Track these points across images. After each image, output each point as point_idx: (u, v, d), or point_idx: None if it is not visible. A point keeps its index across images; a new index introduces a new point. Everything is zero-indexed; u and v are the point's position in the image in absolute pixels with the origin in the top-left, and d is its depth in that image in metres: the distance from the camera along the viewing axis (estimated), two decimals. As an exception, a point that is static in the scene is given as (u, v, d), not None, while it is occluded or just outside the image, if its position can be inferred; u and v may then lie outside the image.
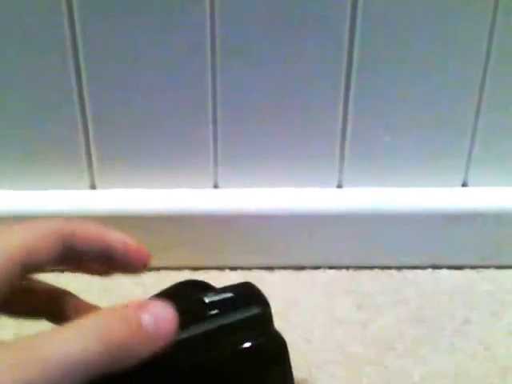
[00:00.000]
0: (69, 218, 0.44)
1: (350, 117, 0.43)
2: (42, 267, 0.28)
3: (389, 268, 0.47)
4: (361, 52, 0.41)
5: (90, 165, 0.45)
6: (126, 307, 0.23)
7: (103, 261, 0.29)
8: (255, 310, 0.28)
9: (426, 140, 0.44)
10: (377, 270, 0.47)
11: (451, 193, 0.46)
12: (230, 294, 0.28)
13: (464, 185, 0.47)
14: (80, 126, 0.43)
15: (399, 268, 0.47)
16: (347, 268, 0.47)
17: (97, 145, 0.44)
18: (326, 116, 0.43)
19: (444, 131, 0.44)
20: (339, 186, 0.46)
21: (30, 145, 0.44)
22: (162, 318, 0.23)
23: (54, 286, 0.31)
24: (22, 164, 0.45)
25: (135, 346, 0.22)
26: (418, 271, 0.47)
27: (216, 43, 0.40)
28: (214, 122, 0.43)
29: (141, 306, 0.23)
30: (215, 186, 0.46)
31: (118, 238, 0.29)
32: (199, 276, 0.46)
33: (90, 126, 0.43)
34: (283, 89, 0.42)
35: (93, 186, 0.46)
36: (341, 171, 0.45)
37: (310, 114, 0.43)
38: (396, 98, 0.43)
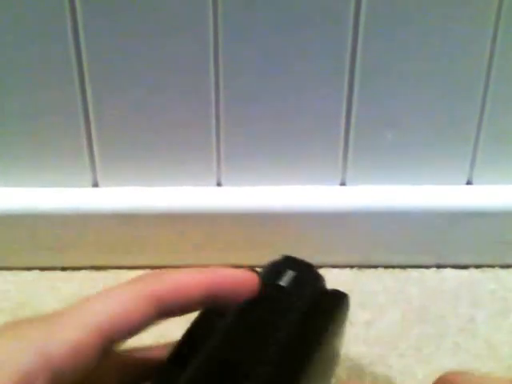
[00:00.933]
0: (72, 216, 0.44)
1: (353, 115, 0.43)
2: (131, 335, 0.25)
3: (393, 267, 0.47)
4: (364, 49, 0.41)
5: (92, 163, 0.45)
6: None
7: (208, 304, 0.27)
8: (321, 281, 0.31)
9: (430, 138, 0.44)
10: (381, 268, 0.47)
11: (456, 191, 0.46)
12: (294, 273, 0.30)
13: (469, 183, 0.46)
14: (82, 124, 0.43)
15: (403, 267, 0.47)
16: (351, 267, 0.46)
17: (99, 142, 0.44)
18: (330, 114, 0.43)
19: (448, 129, 0.44)
20: (343, 184, 0.46)
21: (32, 142, 0.44)
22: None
23: (151, 355, 0.29)
24: (24, 161, 0.44)
25: None
26: (422, 270, 0.46)
27: (219, 41, 0.40)
28: (217, 120, 0.43)
29: None
30: (218, 184, 0.46)
31: (221, 273, 0.27)
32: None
33: (93, 123, 0.43)
34: (286, 86, 0.42)
35: (95, 184, 0.46)
36: (344, 169, 0.45)
37: (314, 112, 0.43)
38: (400, 96, 0.43)
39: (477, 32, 0.41)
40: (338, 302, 0.31)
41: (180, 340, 0.28)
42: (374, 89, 0.42)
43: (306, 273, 0.31)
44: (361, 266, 0.47)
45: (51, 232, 0.45)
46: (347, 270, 0.46)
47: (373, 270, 0.46)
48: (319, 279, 0.32)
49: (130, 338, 0.26)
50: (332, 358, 0.31)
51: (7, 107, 0.43)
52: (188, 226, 0.45)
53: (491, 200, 0.45)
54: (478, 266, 0.47)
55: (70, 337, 0.24)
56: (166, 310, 0.26)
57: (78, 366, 0.24)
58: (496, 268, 0.47)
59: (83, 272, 0.46)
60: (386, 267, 0.47)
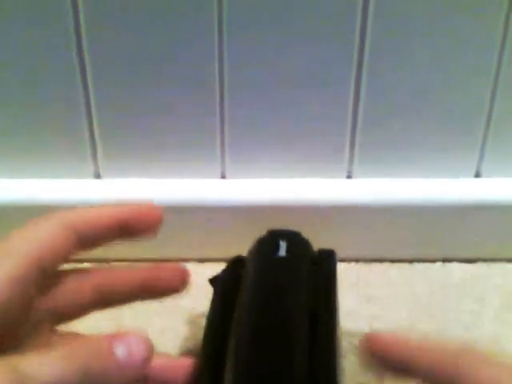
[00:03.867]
0: (72, 207, 0.44)
1: (360, 106, 0.43)
2: (59, 264, 0.28)
3: (399, 261, 0.46)
4: (373, 40, 0.40)
5: (94, 154, 0.44)
6: (101, 337, 0.25)
7: (121, 235, 0.31)
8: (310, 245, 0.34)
9: (438, 130, 0.44)
10: (386, 262, 0.46)
11: (464, 184, 0.45)
12: (286, 243, 0.33)
13: (477, 175, 0.46)
14: (84, 115, 0.43)
15: (409, 261, 0.46)
16: (357, 261, 0.46)
17: (101, 133, 0.43)
18: (336, 106, 0.43)
19: (457, 121, 0.44)
20: (349, 177, 0.46)
21: (33, 133, 0.43)
22: (136, 348, 0.25)
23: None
24: (25, 152, 0.44)
25: (108, 374, 0.24)
26: (429, 264, 0.46)
27: (223, 32, 0.40)
28: (222, 112, 0.43)
29: (115, 336, 0.25)
30: (222, 176, 0.46)
31: (128, 207, 0.30)
32: (206, 267, 0.45)
33: (95, 114, 0.43)
34: (292, 78, 0.42)
35: (97, 175, 0.45)
36: (351, 162, 0.45)
37: (320, 104, 0.43)
38: (407, 88, 0.42)
39: (487, 21, 0.40)
40: (332, 258, 0.34)
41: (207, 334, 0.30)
42: (381, 81, 0.42)
43: (296, 239, 0.34)
44: (367, 260, 0.46)
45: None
46: (353, 264, 0.46)
47: (379, 263, 0.46)
48: (308, 243, 0.35)
49: (59, 265, 0.28)
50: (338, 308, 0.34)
51: (8, 98, 0.42)
52: (191, 218, 0.44)
53: (500, 193, 0.45)
54: (484, 260, 0.46)
55: (6, 268, 0.26)
56: (84, 238, 0.29)
57: (16, 293, 0.26)
58: (503, 262, 0.46)
59: (85, 264, 0.45)
60: (392, 261, 0.46)
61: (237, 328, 0.29)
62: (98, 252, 0.46)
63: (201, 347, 0.30)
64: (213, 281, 0.34)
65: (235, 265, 0.34)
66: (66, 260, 0.28)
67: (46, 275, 0.27)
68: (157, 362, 0.27)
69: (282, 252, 0.33)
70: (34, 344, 0.28)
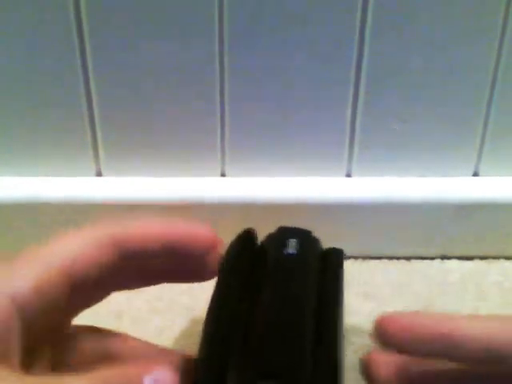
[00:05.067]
0: (73, 205, 0.44)
1: (359, 105, 0.43)
2: (93, 281, 0.27)
3: (397, 258, 0.46)
4: (372, 40, 0.40)
5: (95, 152, 0.44)
6: (129, 368, 0.24)
7: (168, 256, 0.28)
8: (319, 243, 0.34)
9: (436, 129, 0.44)
10: (385, 260, 0.46)
11: (462, 182, 0.45)
12: (296, 240, 0.33)
13: (475, 174, 0.46)
14: (86, 113, 0.43)
15: (408, 258, 0.46)
16: (355, 258, 0.46)
17: (103, 132, 0.44)
18: (336, 104, 0.43)
19: (455, 120, 0.44)
20: (348, 176, 0.46)
21: (35, 132, 0.44)
22: (162, 382, 0.24)
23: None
24: (27, 151, 0.44)
25: None
26: (427, 261, 0.46)
27: (224, 30, 0.40)
28: (222, 110, 0.43)
29: (144, 368, 0.24)
30: (222, 175, 0.46)
31: (179, 226, 0.28)
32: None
33: (96, 112, 0.43)
34: (291, 76, 0.42)
35: (99, 174, 0.45)
36: (350, 160, 0.45)
37: (319, 103, 0.43)
38: (407, 87, 0.42)
39: (486, 22, 0.40)
40: (341, 257, 0.34)
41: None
42: (380, 80, 0.42)
43: (305, 237, 0.34)
44: (365, 257, 0.46)
45: (54, 221, 0.45)
46: (351, 261, 0.46)
47: (377, 261, 0.46)
48: (317, 241, 0.35)
49: (95, 277, 0.27)
50: (343, 306, 0.34)
51: (10, 97, 0.42)
52: (191, 216, 0.45)
53: (498, 192, 0.45)
54: (483, 258, 0.47)
55: (32, 275, 0.25)
56: (126, 255, 0.27)
57: (43, 303, 0.25)
58: (501, 259, 0.46)
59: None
60: (391, 258, 0.46)
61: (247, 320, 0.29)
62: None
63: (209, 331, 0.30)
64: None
65: (245, 240, 0.34)
66: (106, 273, 0.27)
67: (79, 287, 0.26)
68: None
69: (292, 250, 0.33)
70: (61, 354, 0.27)
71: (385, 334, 0.27)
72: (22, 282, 0.25)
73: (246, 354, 0.27)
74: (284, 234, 0.34)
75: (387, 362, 0.30)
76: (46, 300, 0.25)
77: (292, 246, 0.33)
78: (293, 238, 0.33)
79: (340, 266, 0.34)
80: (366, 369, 0.30)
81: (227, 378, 0.27)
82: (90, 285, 0.27)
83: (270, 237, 0.35)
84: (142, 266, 0.29)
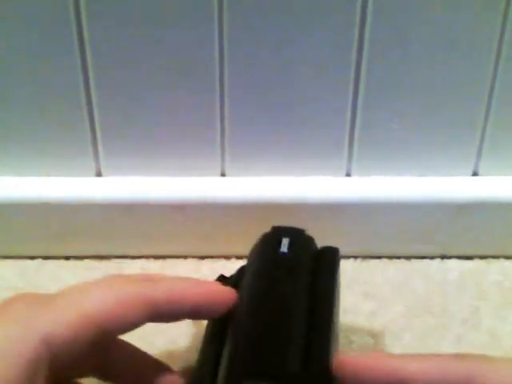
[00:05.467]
0: (73, 205, 0.44)
1: (359, 105, 0.43)
2: (122, 333, 0.28)
3: (397, 258, 0.46)
4: (371, 38, 0.40)
5: (95, 152, 0.44)
6: None
7: (192, 317, 0.30)
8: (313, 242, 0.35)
9: (436, 128, 0.44)
10: (385, 259, 0.46)
11: (461, 182, 0.45)
12: (289, 239, 0.34)
13: (475, 174, 0.46)
14: (86, 113, 0.43)
15: (408, 258, 0.46)
16: (355, 257, 0.46)
17: (103, 132, 0.44)
18: (335, 104, 0.43)
19: (454, 119, 0.44)
20: (348, 175, 0.46)
21: (35, 131, 0.43)
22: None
23: (147, 355, 0.32)
24: (27, 151, 0.44)
25: None
26: (427, 261, 0.46)
27: (223, 32, 0.40)
28: (222, 109, 0.43)
29: None
30: (222, 174, 0.46)
31: (204, 288, 0.30)
32: (205, 265, 0.46)
33: (96, 112, 0.43)
34: (292, 75, 0.42)
35: (98, 174, 0.45)
36: (349, 160, 0.45)
37: (319, 102, 0.43)
38: (406, 86, 0.42)
39: (485, 20, 0.40)
40: (335, 255, 0.34)
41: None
42: (379, 79, 0.42)
43: (299, 237, 0.34)
44: (365, 257, 0.46)
45: (54, 221, 0.45)
46: (351, 261, 0.46)
47: (377, 260, 0.46)
48: (311, 240, 0.35)
49: (120, 335, 0.28)
50: (338, 305, 0.34)
51: (10, 97, 0.42)
52: (191, 216, 0.45)
53: (497, 191, 0.45)
54: (482, 257, 0.46)
55: (70, 320, 0.25)
56: (157, 316, 0.28)
57: (74, 350, 0.26)
58: (501, 259, 0.46)
59: (86, 261, 0.46)
60: (391, 258, 0.46)
61: (234, 319, 0.29)
62: (97, 249, 0.46)
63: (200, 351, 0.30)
64: (221, 279, 0.34)
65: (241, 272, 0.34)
66: (130, 330, 0.28)
67: (105, 338, 0.27)
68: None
69: (284, 249, 0.33)
70: None
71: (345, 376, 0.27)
72: (56, 325, 0.25)
73: (232, 356, 0.27)
74: (277, 233, 0.34)
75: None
76: (73, 348, 0.26)
77: (285, 244, 0.33)
78: (286, 237, 0.34)
79: (335, 265, 0.34)
80: None
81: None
82: (113, 340, 0.28)
83: (265, 236, 0.35)
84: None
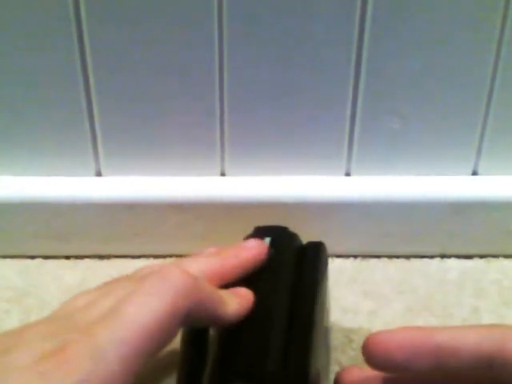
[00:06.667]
0: (73, 205, 0.44)
1: (359, 104, 0.43)
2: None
3: (397, 257, 0.46)
4: (372, 38, 0.40)
5: (95, 151, 0.44)
6: None
7: None
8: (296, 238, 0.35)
9: (435, 128, 0.44)
10: (384, 258, 0.46)
11: (461, 181, 0.45)
12: (270, 238, 0.34)
13: (474, 173, 0.46)
14: (85, 112, 0.43)
15: (407, 257, 0.47)
16: (355, 257, 0.46)
17: (103, 132, 0.44)
18: (335, 103, 0.43)
19: (454, 119, 0.44)
20: (347, 174, 0.46)
21: (35, 131, 0.44)
22: None
23: None
24: (27, 150, 0.44)
25: None
26: (427, 260, 0.46)
27: (223, 28, 0.40)
28: (221, 109, 0.43)
29: None
30: (222, 174, 0.46)
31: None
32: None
33: (96, 112, 0.43)
34: (291, 75, 0.42)
35: (98, 173, 0.45)
36: (349, 159, 0.45)
37: (319, 102, 0.43)
38: (406, 85, 0.42)
39: (485, 20, 0.40)
40: (320, 249, 0.35)
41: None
42: (380, 78, 0.42)
43: (281, 235, 0.35)
44: (365, 256, 0.46)
45: (54, 221, 0.45)
46: (351, 260, 0.46)
47: (376, 259, 0.46)
48: (294, 237, 0.35)
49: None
50: (326, 302, 0.34)
51: (10, 97, 0.42)
52: (191, 215, 0.45)
53: (497, 190, 0.45)
54: (482, 256, 0.47)
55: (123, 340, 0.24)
56: (188, 323, 0.27)
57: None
58: (500, 258, 0.47)
59: (86, 261, 0.46)
60: (390, 257, 0.46)
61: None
62: (97, 248, 0.46)
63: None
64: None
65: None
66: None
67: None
68: None
69: None
70: None
71: (376, 357, 0.28)
72: (112, 345, 0.24)
73: (214, 358, 0.28)
74: (259, 233, 0.35)
75: (362, 379, 0.30)
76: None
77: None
78: (268, 236, 0.34)
79: (319, 260, 0.34)
80: None
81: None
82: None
83: (247, 237, 0.35)
84: None
